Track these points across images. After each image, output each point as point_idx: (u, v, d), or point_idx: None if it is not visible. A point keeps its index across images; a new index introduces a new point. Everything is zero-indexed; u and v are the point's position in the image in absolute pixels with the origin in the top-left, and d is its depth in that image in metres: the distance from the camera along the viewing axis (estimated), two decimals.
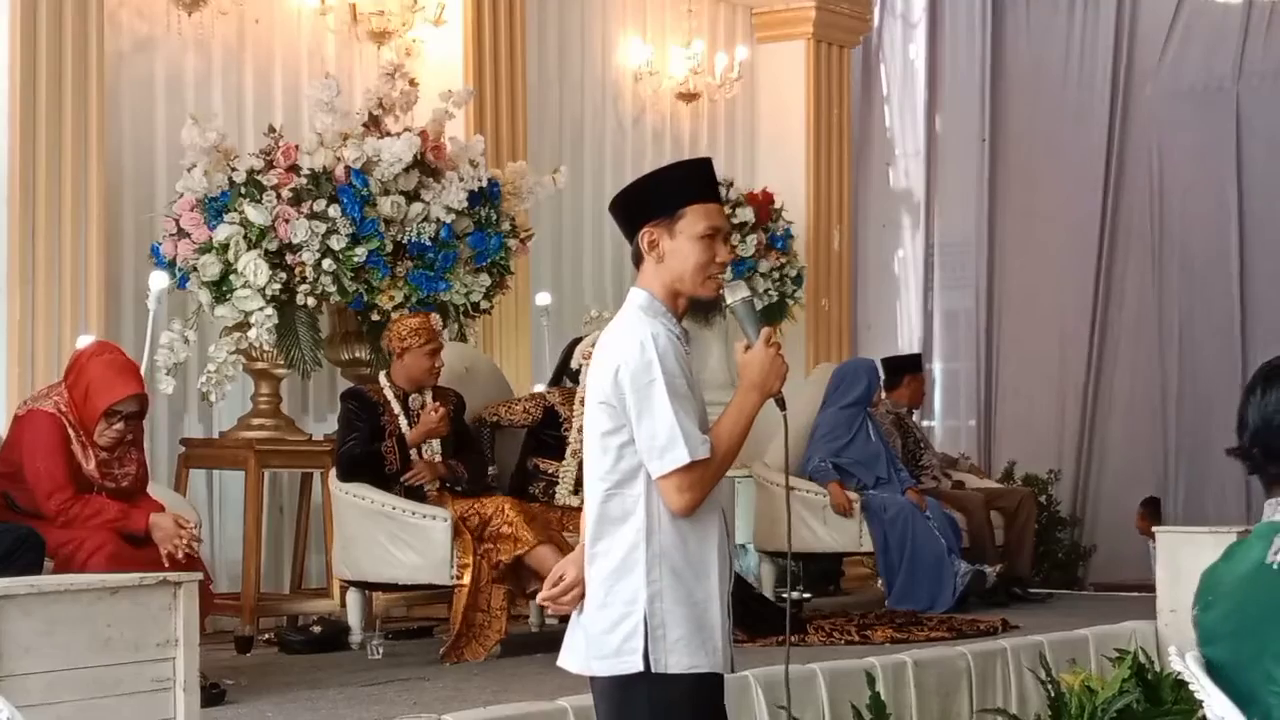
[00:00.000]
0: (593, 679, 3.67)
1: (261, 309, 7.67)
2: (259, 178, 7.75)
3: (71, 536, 5.88)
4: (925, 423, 12.43)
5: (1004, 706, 7.04)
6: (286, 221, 7.65)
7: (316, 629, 7.50)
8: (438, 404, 7.38)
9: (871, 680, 6.35)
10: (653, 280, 3.69)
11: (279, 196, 7.70)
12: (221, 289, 7.72)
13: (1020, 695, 7.18)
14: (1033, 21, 13.12)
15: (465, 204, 8.06)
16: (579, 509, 3.62)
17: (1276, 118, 12.20)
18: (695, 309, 3.75)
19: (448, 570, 7.02)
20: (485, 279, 8.29)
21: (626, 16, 11.15)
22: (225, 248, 7.67)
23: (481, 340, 9.05)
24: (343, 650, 7.39)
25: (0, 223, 7.55)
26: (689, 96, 11.38)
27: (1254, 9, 12.33)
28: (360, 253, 7.75)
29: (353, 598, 7.56)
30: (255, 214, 7.64)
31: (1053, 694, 6.80)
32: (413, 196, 7.96)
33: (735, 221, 10.55)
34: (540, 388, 8.54)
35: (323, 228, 7.68)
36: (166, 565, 5.80)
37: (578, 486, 7.38)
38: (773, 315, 10.80)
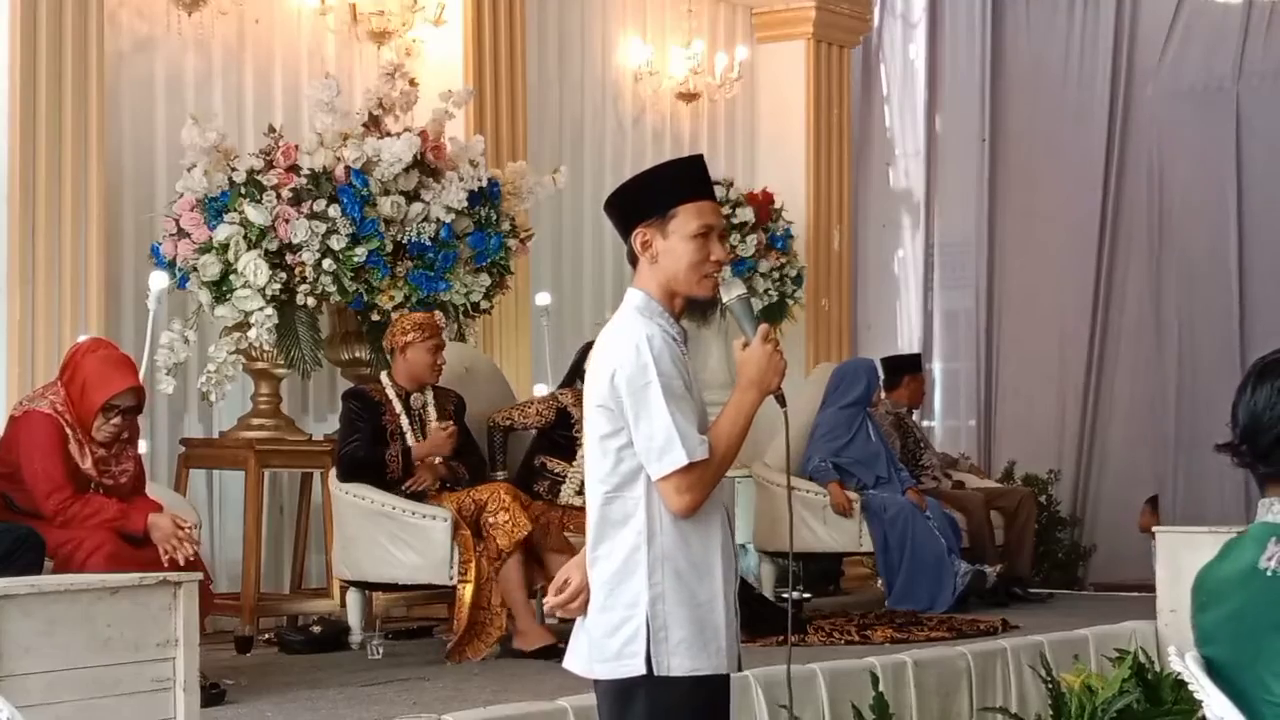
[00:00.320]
0: (596, 681, 3.67)
1: (261, 309, 7.67)
2: (259, 178, 7.75)
3: (71, 536, 5.88)
4: (925, 423, 12.41)
5: (1004, 706, 7.04)
6: (286, 221, 7.65)
7: (316, 629, 7.50)
8: (448, 424, 7.36)
9: (875, 680, 6.35)
10: (648, 280, 3.66)
11: (279, 196, 7.70)
12: (221, 289, 7.72)
13: (1020, 695, 7.18)
14: (1033, 21, 13.10)
15: (465, 204, 8.06)
16: (582, 509, 3.63)
17: (1276, 118, 12.17)
18: (693, 308, 3.71)
19: (448, 570, 7.02)
20: (485, 279, 8.29)
21: (626, 16, 11.14)
22: (225, 248, 7.67)
23: (481, 340, 9.05)
24: (343, 650, 7.39)
25: (0, 223, 7.55)
26: (689, 96, 11.37)
27: (1254, 9, 12.31)
28: (360, 253, 7.75)
29: (353, 598, 7.56)
30: (255, 214, 7.64)
31: (1053, 694, 6.80)
32: (413, 196, 7.96)
33: (735, 222, 10.55)
34: (541, 388, 8.54)
35: (323, 228, 7.68)
36: (166, 565, 5.80)
37: (584, 487, 7.36)
38: (773, 315, 10.79)
